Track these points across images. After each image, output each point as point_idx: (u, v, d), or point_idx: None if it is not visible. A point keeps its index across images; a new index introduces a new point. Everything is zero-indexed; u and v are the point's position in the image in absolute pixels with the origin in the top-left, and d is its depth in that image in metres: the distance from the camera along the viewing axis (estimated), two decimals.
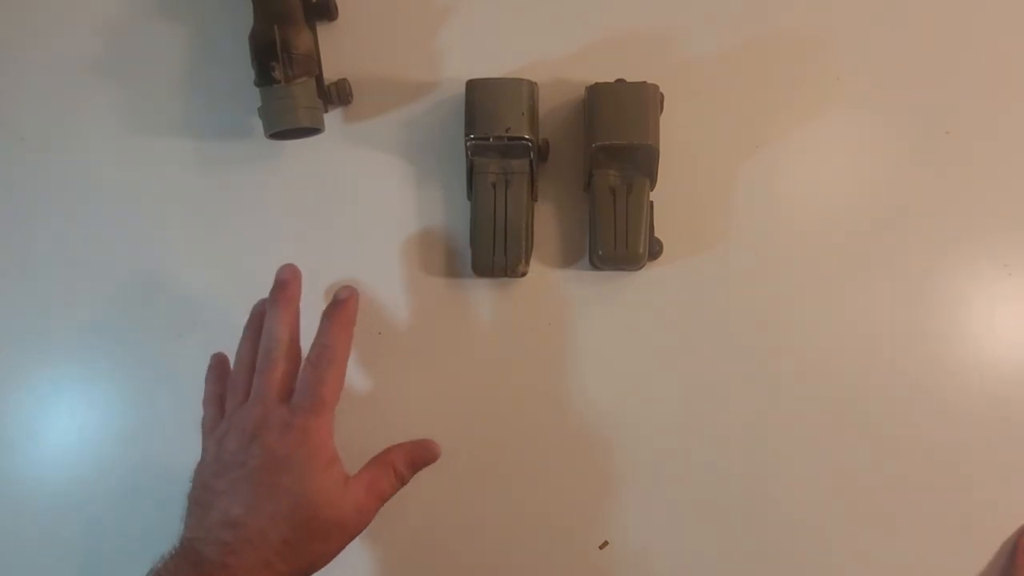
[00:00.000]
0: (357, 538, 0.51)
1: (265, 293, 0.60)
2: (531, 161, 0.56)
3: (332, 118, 0.60)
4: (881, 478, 0.58)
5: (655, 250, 0.58)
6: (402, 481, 0.53)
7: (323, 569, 0.58)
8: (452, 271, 0.60)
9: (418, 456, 0.54)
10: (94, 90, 0.61)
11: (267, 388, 0.51)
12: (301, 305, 0.57)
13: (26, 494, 0.59)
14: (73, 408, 0.58)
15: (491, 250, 0.56)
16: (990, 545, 0.58)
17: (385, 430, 0.59)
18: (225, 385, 0.55)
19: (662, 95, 0.57)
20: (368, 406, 0.59)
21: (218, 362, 0.57)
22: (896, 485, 0.58)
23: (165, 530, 0.49)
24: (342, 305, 0.54)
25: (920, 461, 0.58)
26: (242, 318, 0.59)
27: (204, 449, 0.53)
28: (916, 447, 0.58)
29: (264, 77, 0.55)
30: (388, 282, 0.60)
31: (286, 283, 0.54)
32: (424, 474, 0.58)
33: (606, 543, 0.59)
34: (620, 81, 0.57)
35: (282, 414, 0.50)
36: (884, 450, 0.58)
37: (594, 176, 0.56)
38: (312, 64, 0.57)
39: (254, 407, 0.51)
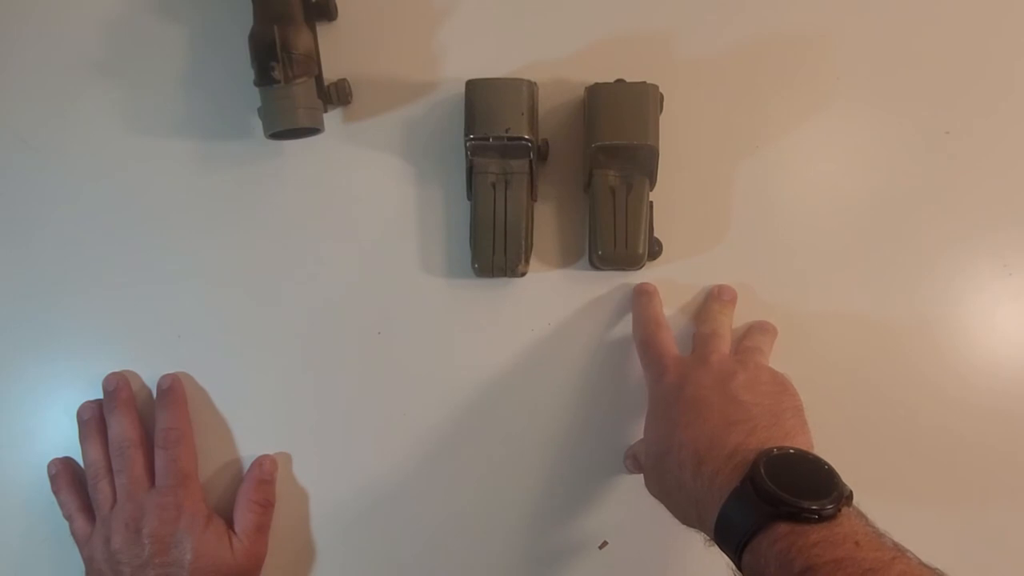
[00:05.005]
0: (356, 538, 0.53)
1: (265, 294, 0.60)
2: (531, 161, 0.56)
3: (332, 118, 0.60)
4: (879, 479, 0.58)
5: (655, 250, 0.58)
6: (268, 504, 0.58)
7: (319, 571, 0.59)
8: (452, 271, 0.60)
9: (259, 477, 0.58)
10: (95, 90, 0.61)
11: (133, 483, 0.55)
12: (307, 313, 0.57)
13: (26, 494, 0.59)
14: (72, 408, 0.58)
15: (491, 250, 0.56)
16: (986, 544, 0.58)
17: (386, 428, 0.59)
18: (78, 492, 0.57)
19: (662, 95, 0.57)
20: (368, 405, 0.59)
21: (59, 471, 0.58)
22: (895, 485, 0.58)
23: None
24: (168, 391, 0.58)
25: (919, 461, 0.58)
26: (242, 319, 0.60)
27: (89, 557, 0.55)
28: (914, 446, 0.58)
29: (264, 77, 0.55)
30: (388, 282, 0.60)
31: (117, 390, 0.58)
32: (424, 473, 0.59)
33: (606, 543, 0.59)
34: (620, 81, 0.57)
35: (154, 499, 0.55)
36: (883, 450, 0.58)
37: (594, 176, 0.56)
38: (312, 64, 0.57)
39: (128, 504, 0.55)
